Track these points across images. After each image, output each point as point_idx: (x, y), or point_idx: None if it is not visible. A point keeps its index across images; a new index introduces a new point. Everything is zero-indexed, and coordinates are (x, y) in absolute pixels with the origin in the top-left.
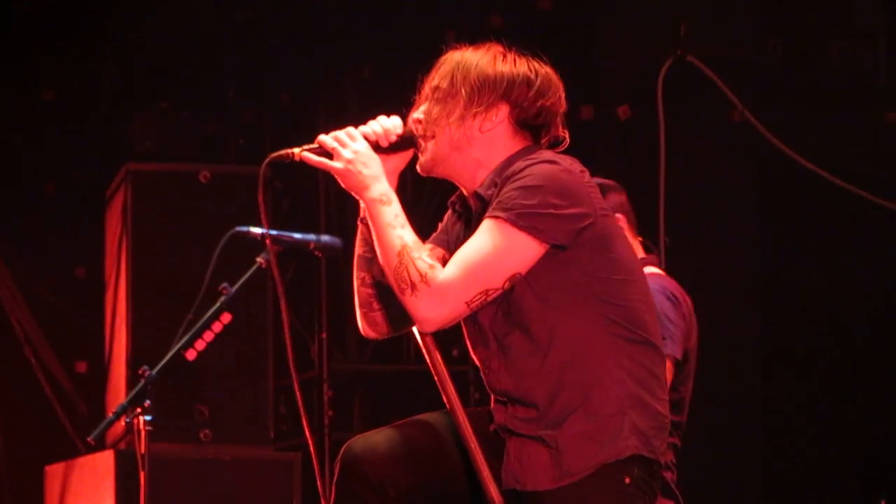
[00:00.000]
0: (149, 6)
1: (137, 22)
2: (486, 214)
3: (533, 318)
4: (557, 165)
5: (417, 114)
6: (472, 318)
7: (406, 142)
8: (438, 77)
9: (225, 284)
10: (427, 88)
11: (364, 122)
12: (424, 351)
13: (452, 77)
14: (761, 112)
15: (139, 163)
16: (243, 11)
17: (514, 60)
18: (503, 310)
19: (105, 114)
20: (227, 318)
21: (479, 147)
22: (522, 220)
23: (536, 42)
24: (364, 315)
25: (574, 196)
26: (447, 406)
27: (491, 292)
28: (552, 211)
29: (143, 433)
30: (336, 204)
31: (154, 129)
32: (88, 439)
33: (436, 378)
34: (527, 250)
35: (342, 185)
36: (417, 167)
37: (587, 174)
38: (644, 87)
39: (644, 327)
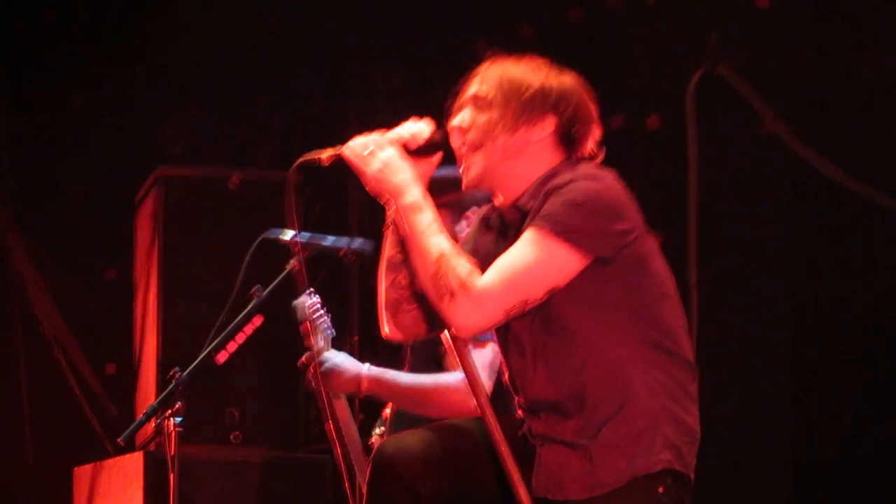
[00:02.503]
0: (180, 11)
1: (168, 27)
2: (529, 225)
3: (572, 329)
4: (601, 182)
5: (456, 122)
6: (506, 327)
7: (434, 146)
8: (482, 86)
9: (257, 287)
10: (466, 97)
11: (393, 130)
12: (457, 355)
13: (499, 86)
14: (791, 123)
15: (169, 167)
16: (275, 17)
17: (559, 73)
18: (540, 319)
19: (135, 118)
20: (258, 321)
21: (526, 158)
22: (566, 233)
23: (567, 52)
24: (391, 317)
25: (619, 212)
26: (479, 410)
27: (530, 303)
28: (596, 225)
29: (172, 435)
30: (367, 208)
31: (184, 133)
32: (118, 440)
33: (468, 381)
34: (569, 263)
35: (369, 190)
36: (464, 182)
37: (627, 190)
38: (674, 97)
39: (678, 343)
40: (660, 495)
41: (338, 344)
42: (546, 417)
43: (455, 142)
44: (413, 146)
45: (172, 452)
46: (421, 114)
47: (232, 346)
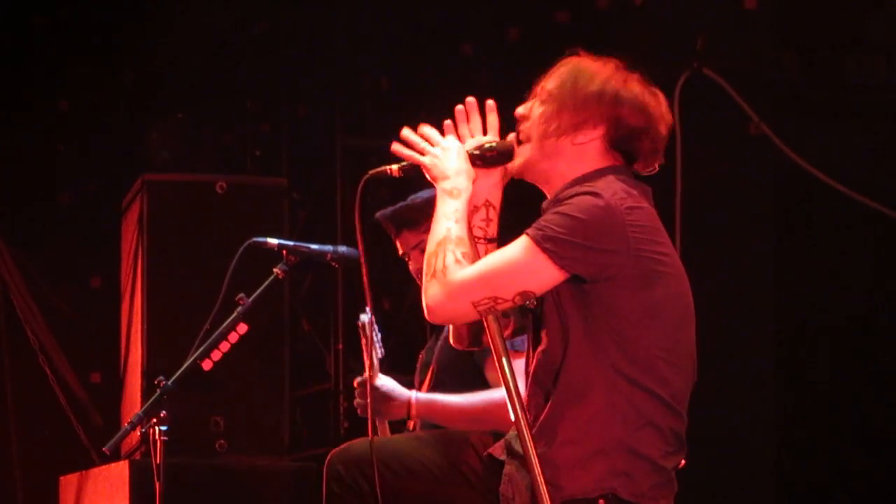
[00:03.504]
0: (166, 16)
1: (154, 32)
2: (526, 230)
3: (550, 342)
4: (599, 200)
5: (521, 109)
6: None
7: (503, 156)
8: (549, 80)
9: (241, 295)
10: (538, 88)
11: (381, 135)
12: (496, 363)
13: (562, 83)
14: (777, 125)
15: (155, 173)
16: (261, 22)
17: (626, 80)
18: (534, 331)
19: (121, 124)
20: (243, 328)
21: (567, 159)
22: (547, 242)
23: (554, 54)
24: (457, 328)
25: (605, 233)
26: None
27: (500, 301)
28: (578, 241)
29: (158, 443)
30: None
31: (170, 139)
32: (104, 449)
33: (506, 390)
34: (543, 272)
35: (428, 177)
36: (510, 170)
37: (638, 212)
38: None
39: (655, 376)
40: None
41: (321, 353)
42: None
43: (518, 130)
44: (478, 154)
45: (158, 461)
46: (409, 117)
47: (217, 355)
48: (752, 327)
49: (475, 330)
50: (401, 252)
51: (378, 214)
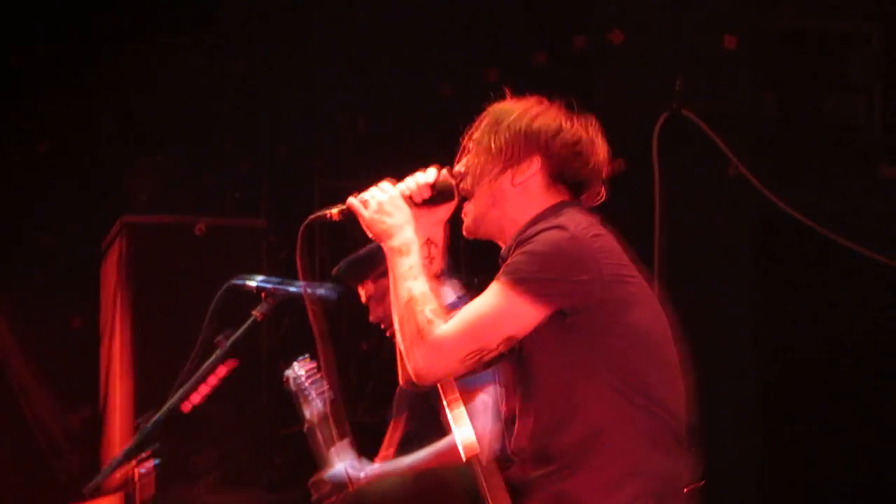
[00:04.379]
0: (144, 58)
1: (134, 74)
2: (495, 277)
3: (542, 381)
4: (565, 232)
5: (460, 167)
6: (506, 376)
7: (442, 194)
8: (477, 130)
9: (220, 338)
10: (468, 141)
11: (358, 176)
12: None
13: (489, 131)
14: (756, 166)
15: (134, 215)
16: (239, 63)
17: (550, 114)
18: (520, 370)
19: (101, 166)
20: (222, 370)
21: (512, 201)
22: (522, 284)
23: (533, 96)
24: (403, 367)
25: (578, 263)
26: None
27: (486, 352)
28: (553, 276)
29: (138, 485)
30: (331, 255)
31: (150, 181)
32: (83, 491)
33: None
34: (524, 314)
35: (370, 236)
36: (463, 231)
37: (603, 238)
38: (639, 140)
39: (651, 397)
40: None
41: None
42: (523, 466)
43: (463, 189)
44: (417, 199)
45: (138, 502)
46: (386, 158)
47: (196, 397)
48: (733, 367)
49: None
50: (363, 301)
51: (333, 272)
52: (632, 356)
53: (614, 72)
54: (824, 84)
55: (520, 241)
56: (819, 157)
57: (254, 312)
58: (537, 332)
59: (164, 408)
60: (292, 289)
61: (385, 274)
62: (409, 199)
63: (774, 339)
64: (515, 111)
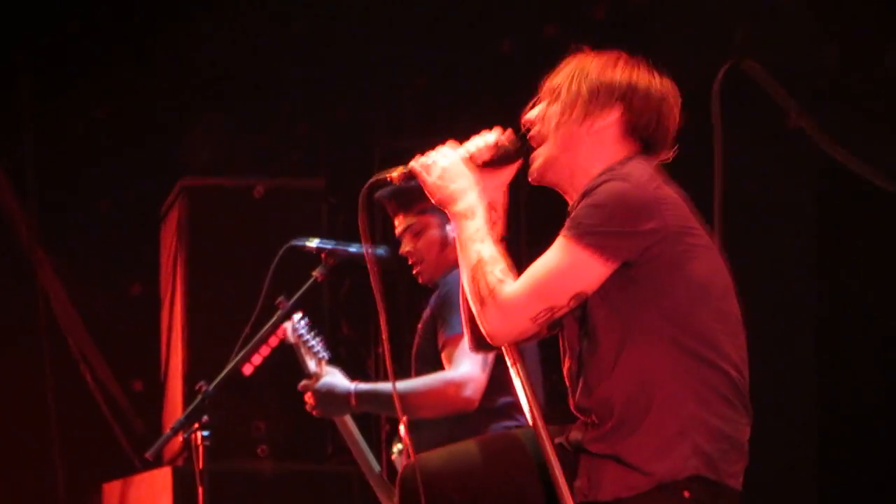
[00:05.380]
0: (203, 20)
1: (191, 36)
2: (560, 231)
3: (603, 334)
4: (627, 182)
5: (531, 114)
6: (563, 333)
7: (505, 156)
8: (556, 79)
9: (281, 298)
10: (545, 89)
11: (419, 136)
12: (509, 360)
13: (571, 78)
14: (817, 118)
15: (193, 178)
16: (298, 23)
17: (636, 68)
18: (582, 325)
19: (159, 130)
20: (283, 332)
21: (586, 149)
22: (587, 238)
23: (596, 49)
24: (471, 332)
25: (642, 213)
26: (530, 422)
27: (557, 309)
28: (617, 228)
29: (200, 449)
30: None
31: (208, 143)
32: (146, 455)
33: (519, 391)
34: (591, 269)
35: (435, 202)
36: (529, 176)
37: (666, 189)
38: (700, 93)
39: (714, 347)
40: (685, 499)
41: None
42: (583, 423)
43: (532, 134)
44: (479, 160)
45: (200, 466)
46: (448, 117)
47: (257, 359)
48: (795, 325)
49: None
50: (397, 232)
51: (377, 194)
52: (695, 307)
53: (674, 24)
54: (886, 33)
55: (584, 194)
56: (881, 110)
57: (314, 273)
58: (602, 285)
59: (225, 370)
60: (352, 249)
61: (429, 210)
62: (471, 162)
63: (837, 296)
64: (601, 61)
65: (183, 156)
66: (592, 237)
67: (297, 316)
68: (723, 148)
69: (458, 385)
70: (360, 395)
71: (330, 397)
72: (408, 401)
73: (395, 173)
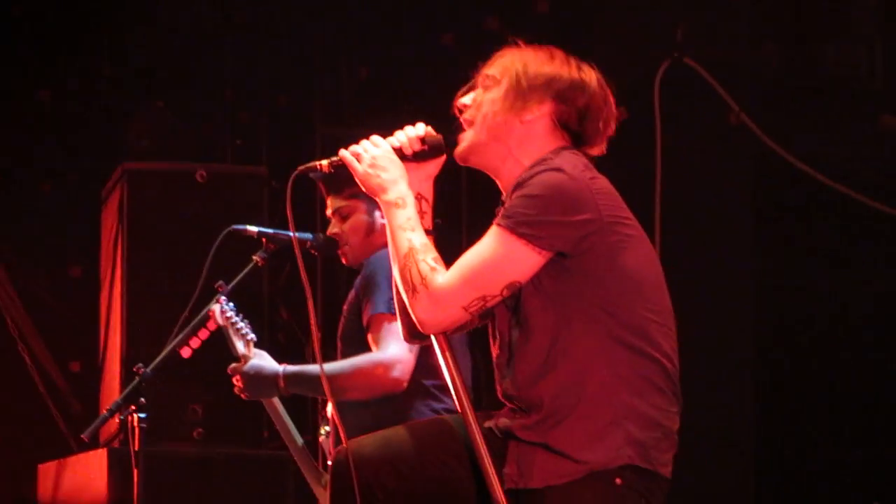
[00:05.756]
0: (146, 6)
1: (134, 21)
2: (494, 221)
3: (536, 323)
4: (562, 173)
5: (465, 99)
6: (492, 320)
7: (433, 150)
8: (492, 68)
9: (221, 282)
10: (480, 77)
11: (359, 125)
12: (438, 350)
13: (507, 67)
14: (757, 115)
15: (135, 162)
16: (241, 12)
17: (570, 64)
18: (515, 315)
19: (101, 113)
20: (211, 314)
21: (515, 138)
22: (521, 227)
23: (534, 43)
24: (404, 323)
25: (577, 204)
26: (458, 407)
27: (489, 298)
28: (552, 218)
29: (136, 431)
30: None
31: (150, 128)
32: (82, 436)
33: (447, 379)
34: (525, 259)
35: (364, 190)
36: (455, 155)
37: (600, 180)
38: (641, 88)
39: (647, 338)
40: (617, 486)
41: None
42: (513, 411)
43: (463, 118)
44: (408, 151)
45: (136, 448)
46: (388, 107)
47: (195, 342)
48: (732, 317)
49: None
50: (327, 213)
51: (311, 174)
52: (628, 298)
53: (616, 19)
54: (825, 33)
55: (518, 184)
56: (820, 107)
57: (254, 257)
58: (536, 275)
59: (163, 353)
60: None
61: (358, 195)
62: (400, 153)
63: (774, 288)
64: (536, 55)
65: (125, 139)
66: (527, 227)
67: (224, 299)
68: (663, 141)
69: (386, 366)
70: (288, 377)
71: (258, 379)
72: (336, 382)
73: (325, 162)
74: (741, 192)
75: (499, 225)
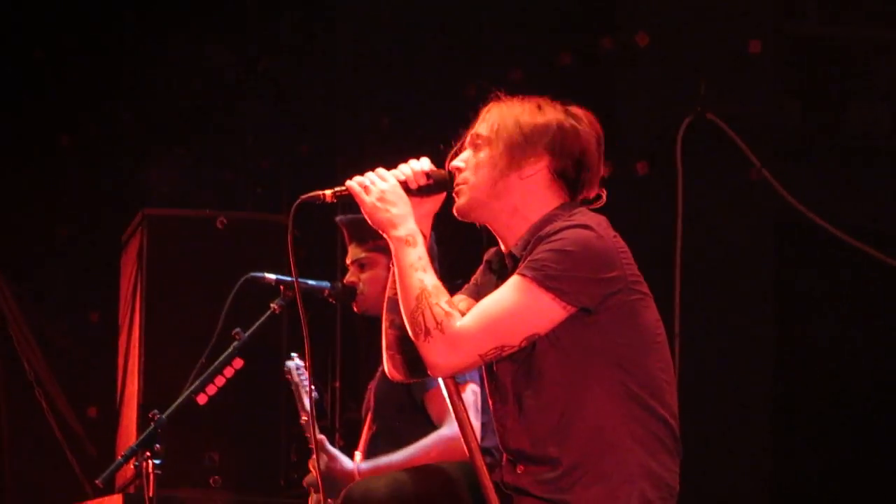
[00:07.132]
0: (168, 52)
1: (156, 68)
2: (516, 271)
3: (552, 379)
4: (592, 231)
5: (458, 161)
6: (492, 373)
7: (437, 185)
8: (481, 125)
9: (238, 330)
10: (469, 136)
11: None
12: (446, 394)
13: (496, 125)
14: (779, 171)
15: (155, 208)
16: (263, 60)
17: (559, 111)
18: (524, 368)
19: (122, 159)
20: (238, 363)
21: (517, 195)
22: (550, 281)
23: (556, 97)
24: (390, 357)
25: (605, 262)
26: (467, 454)
27: (507, 348)
28: (581, 275)
29: (151, 477)
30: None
31: (171, 175)
32: (97, 482)
33: (458, 425)
34: (549, 311)
35: (370, 223)
36: (454, 210)
37: (619, 239)
38: (663, 143)
39: (659, 398)
40: None
41: (319, 390)
42: (524, 468)
43: (458, 181)
44: (413, 185)
45: (151, 494)
46: (409, 157)
47: (212, 389)
48: (752, 371)
49: (410, 358)
50: (346, 261)
51: (338, 218)
52: (644, 357)
53: (639, 74)
54: (848, 91)
55: (540, 238)
56: (842, 165)
57: (272, 305)
58: (553, 332)
59: (179, 399)
60: (311, 283)
61: (381, 249)
62: (404, 186)
63: (794, 344)
64: (523, 108)
65: (145, 186)
66: (556, 281)
67: (296, 355)
68: (685, 196)
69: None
70: (364, 475)
71: (335, 482)
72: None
73: (329, 191)
74: (762, 247)
75: (523, 276)
